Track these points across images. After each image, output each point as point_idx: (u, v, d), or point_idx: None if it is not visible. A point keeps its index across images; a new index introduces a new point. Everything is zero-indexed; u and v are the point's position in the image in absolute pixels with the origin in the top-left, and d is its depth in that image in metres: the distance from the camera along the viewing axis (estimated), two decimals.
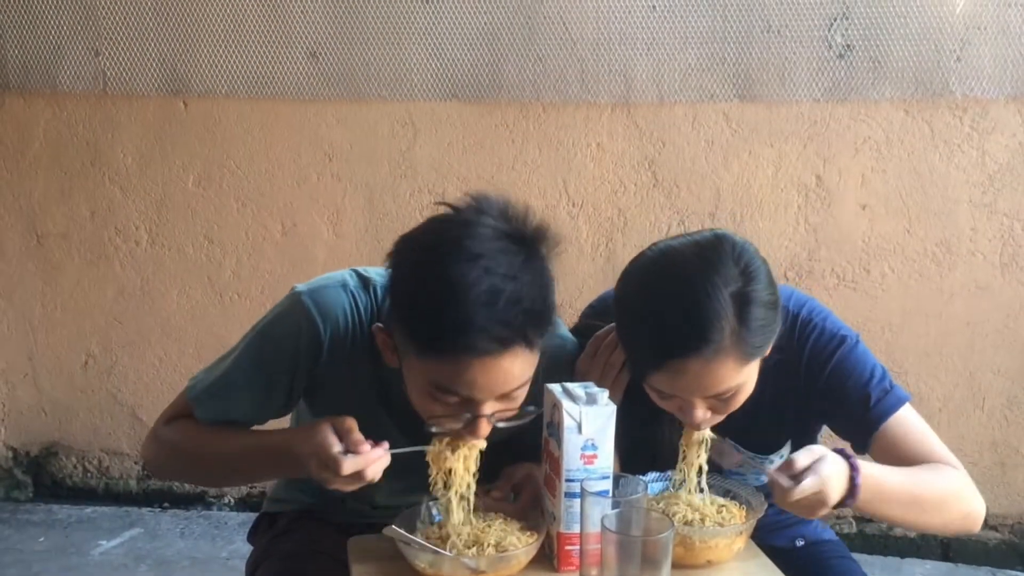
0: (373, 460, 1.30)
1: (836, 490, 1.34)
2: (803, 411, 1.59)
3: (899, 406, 1.52)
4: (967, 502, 1.52)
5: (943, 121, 2.98)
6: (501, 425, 1.37)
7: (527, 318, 1.28)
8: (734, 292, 1.37)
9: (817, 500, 1.33)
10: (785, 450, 1.63)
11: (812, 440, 1.63)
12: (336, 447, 1.30)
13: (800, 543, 1.76)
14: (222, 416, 1.49)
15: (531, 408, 1.40)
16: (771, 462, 1.60)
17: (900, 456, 1.50)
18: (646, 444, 1.56)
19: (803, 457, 1.33)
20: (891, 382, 1.54)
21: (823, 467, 1.32)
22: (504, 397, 1.34)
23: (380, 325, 1.42)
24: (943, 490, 1.50)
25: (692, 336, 1.35)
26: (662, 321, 1.38)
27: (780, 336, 1.48)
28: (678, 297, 1.37)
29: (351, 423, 1.33)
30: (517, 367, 1.32)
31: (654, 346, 1.39)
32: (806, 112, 3.02)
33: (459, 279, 1.25)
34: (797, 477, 1.31)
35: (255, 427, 1.53)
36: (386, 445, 1.32)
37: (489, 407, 1.34)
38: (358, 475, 1.30)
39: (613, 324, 1.51)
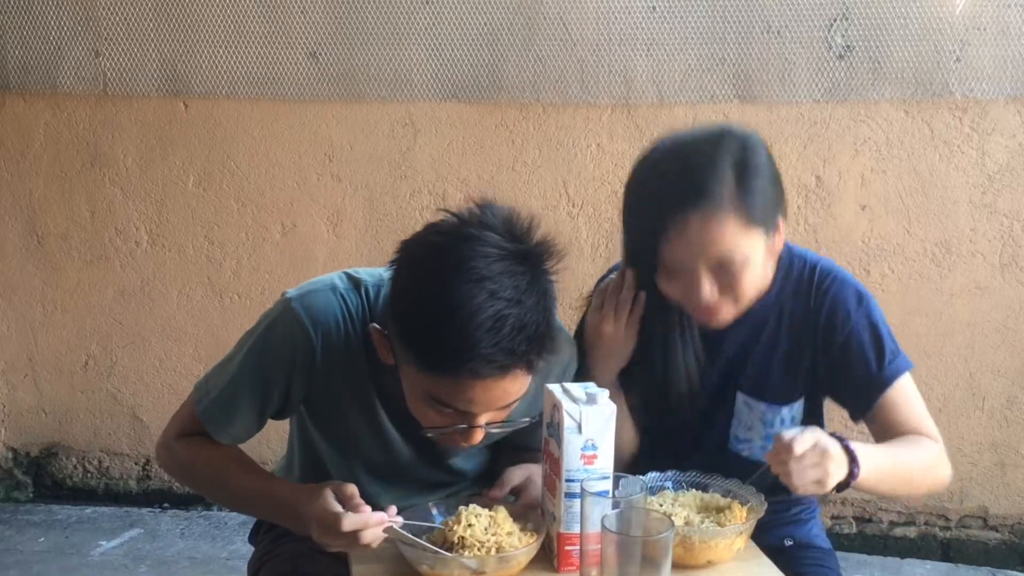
0: (373, 523, 1.31)
1: (833, 448, 1.37)
2: (818, 363, 1.61)
3: (907, 368, 1.58)
4: (940, 472, 1.58)
5: (943, 122, 2.98)
6: (495, 431, 1.40)
7: (530, 344, 1.29)
8: (734, 161, 1.47)
9: (819, 454, 1.35)
10: (798, 405, 1.64)
11: (822, 396, 1.67)
12: (337, 508, 1.32)
13: (789, 543, 1.75)
14: (229, 427, 1.52)
15: (525, 420, 1.43)
16: (782, 420, 1.63)
17: (895, 422, 1.55)
18: (665, 387, 1.61)
19: (791, 430, 1.39)
20: (897, 345, 1.59)
21: (811, 429, 1.38)
22: (500, 409, 1.37)
23: (376, 326, 1.42)
24: (924, 465, 1.55)
25: (691, 190, 1.45)
26: (663, 179, 1.49)
27: (799, 284, 1.58)
28: (680, 159, 1.49)
29: (352, 490, 1.35)
30: (516, 386, 1.34)
31: (655, 204, 1.48)
32: (806, 113, 3.02)
33: (464, 302, 1.25)
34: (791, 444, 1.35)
35: (263, 459, 1.57)
36: (393, 510, 1.35)
37: (484, 418, 1.37)
38: (355, 537, 1.30)
39: (612, 276, 1.61)
